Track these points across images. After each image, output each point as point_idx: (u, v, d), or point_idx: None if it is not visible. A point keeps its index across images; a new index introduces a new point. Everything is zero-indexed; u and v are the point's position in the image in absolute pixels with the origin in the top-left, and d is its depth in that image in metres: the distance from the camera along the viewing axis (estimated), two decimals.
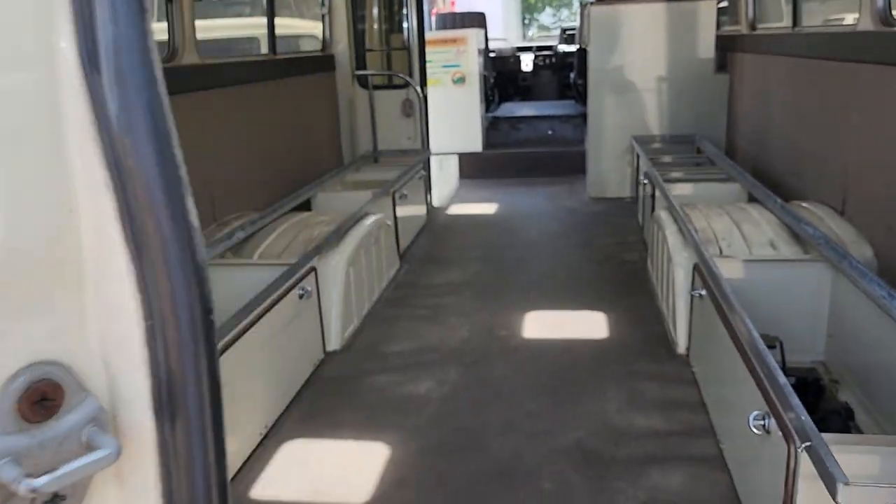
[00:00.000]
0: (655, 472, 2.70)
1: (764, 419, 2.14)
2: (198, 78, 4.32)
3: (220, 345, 2.61)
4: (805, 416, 1.93)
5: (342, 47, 6.78)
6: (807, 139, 4.93)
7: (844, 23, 4.76)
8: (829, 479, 1.69)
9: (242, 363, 2.87)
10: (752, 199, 4.96)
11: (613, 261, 5.31)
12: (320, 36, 6.77)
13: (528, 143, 9.27)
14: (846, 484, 1.64)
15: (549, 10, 39.87)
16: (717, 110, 7.08)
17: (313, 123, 6.32)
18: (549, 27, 37.91)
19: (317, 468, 2.84)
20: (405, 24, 7.23)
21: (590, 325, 4.14)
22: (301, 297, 3.47)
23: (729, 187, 5.27)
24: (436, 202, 7.38)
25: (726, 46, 6.99)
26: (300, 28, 7.46)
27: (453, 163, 8.68)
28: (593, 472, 2.74)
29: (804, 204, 4.37)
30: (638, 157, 6.85)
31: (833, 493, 1.66)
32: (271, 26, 5.48)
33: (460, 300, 4.60)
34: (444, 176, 8.48)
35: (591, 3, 7.26)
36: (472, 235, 6.17)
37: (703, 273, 3.30)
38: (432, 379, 3.53)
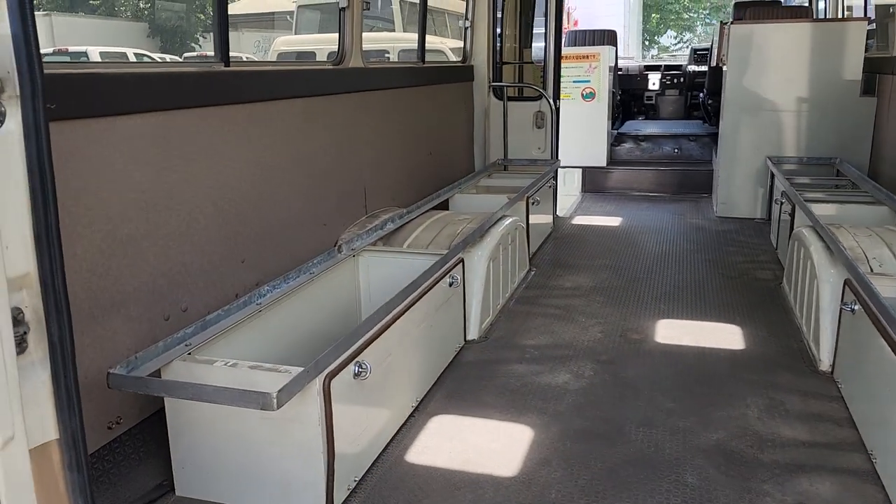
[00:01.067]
0: (803, 480, 2.71)
1: None
2: (361, 80, 4.66)
3: (385, 321, 2.87)
4: None
5: (481, 59, 7.05)
6: None
7: None
8: None
9: (401, 339, 3.11)
10: None
11: (746, 277, 5.25)
12: (444, 48, 7.08)
13: (651, 161, 9.23)
14: None
15: (670, 31, 39.23)
16: (860, 134, 6.84)
17: (451, 129, 6.61)
18: (669, 48, 37.27)
19: (465, 442, 3.02)
20: (536, 43, 7.47)
21: (724, 335, 4.14)
22: (451, 284, 3.70)
23: (875, 210, 5.11)
24: (559, 212, 7.50)
25: (875, 69, 6.75)
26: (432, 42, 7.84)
27: (577, 176, 8.78)
28: (736, 472, 2.78)
29: None
30: (773, 177, 6.72)
31: None
32: (422, 37, 5.81)
33: (591, 303, 4.71)
34: (567, 189, 8.59)
35: (732, 22, 7.19)
36: (598, 245, 6.24)
37: (856, 289, 3.26)
38: (569, 372, 3.66)
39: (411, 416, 3.22)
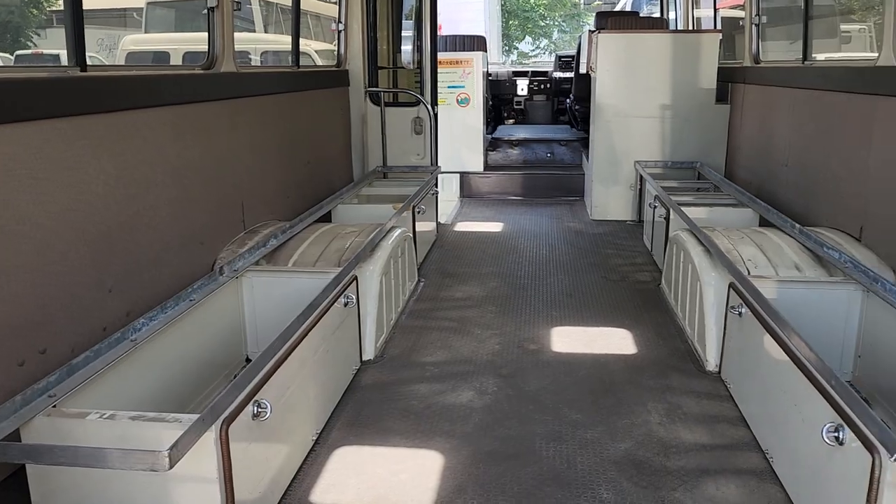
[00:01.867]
0: (710, 485, 2.76)
1: (838, 431, 2.22)
2: (235, 86, 4.33)
3: (282, 351, 2.63)
4: (887, 429, 2.01)
5: (356, 63, 6.85)
6: (817, 168, 5.11)
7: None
8: None
9: (300, 369, 2.87)
10: (763, 223, 5.12)
11: (627, 280, 5.41)
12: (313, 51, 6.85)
13: (526, 166, 9.41)
14: None
15: (528, 37, 40.59)
16: (717, 139, 7.29)
17: (329, 136, 6.36)
18: (528, 54, 38.58)
19: (372, 475, 2.83)
20: (405, 47, 7.38)
21: (616, 340, 4.22)
22: (346, 304, 3.49)
23: (741, 212, 5.43)
24: (440, 219, 7.43)
25: (727, 78, 7.22)
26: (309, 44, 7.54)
27: (455, 182, 8.76)
28: (647, 482, 2.78)
29: (819, 230, 4.52)
30: (642, 180, 7.01)
31: None
32: (296, 40, 5.53)
33: (484, 314, 4.65)
34: (446, 194, 8.55)
35: (599, 32, 7.43)
36: (483, 252, 6.23)
37: (741, 292, 3.39)
38: (472, 389, 3.56)
39: (312, 450, 2.99)
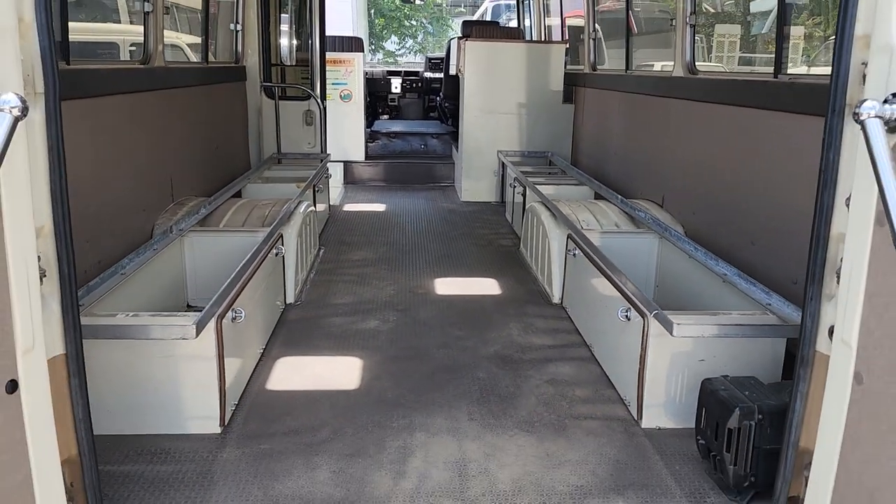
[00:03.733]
0: (551, 366, 3.95)
1: (628, 311, 3.45)
2: (165, 78, 5.08)
3: (238, 285, 3.52)
4: (653, 303, 3.25)
5: (253, 61, 7.62)
6: (636, 154, 6.55)
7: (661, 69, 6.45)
8: (668, 324, 3.00)
9: (251, 296, 3.76)
10: (597, 197, 6.50)
11: (493, 245, 6.61)
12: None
13: (402, 155, 10.49)
14: (678, 324, 2.96)
15: (394, 37, 41.77)
16: (564, 132, 8.72)
17: (231, 126, 7.11)
18: (395, 53, 39.80)
19: (311, 372, 3.79)
20: (282, 42, 8.22)
21: (486, 286, 5.38)
22: (277, 254, 4.39)
23: (580, 189, 6.80)
24: (330, 201, 8.35)
25: (572, 82, 8.65)
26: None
27: (339, 169, 9.68)
28: (509, 368, 3.93)
29: (636, 200, 5.92)
30: (504, 167, 8.29)
31: (670, 331, 2.97)
32: (205, 36, 6.28)
33: (379, 270, 5.67)
34: (332, 181, 9.45)
35: (466, 39, 8.63)
36: (371, 226, 7.23)
37: (576, 240, 4.64)
38: (377, 319, 4.58)
39: (259, 361, 3.89)
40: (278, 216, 4.86)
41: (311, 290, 5.13)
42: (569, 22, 10.26)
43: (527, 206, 6.26)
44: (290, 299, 4.80)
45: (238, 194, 6.19)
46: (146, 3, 4.80)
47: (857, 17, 2.10)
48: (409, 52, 38.87)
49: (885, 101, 1.85)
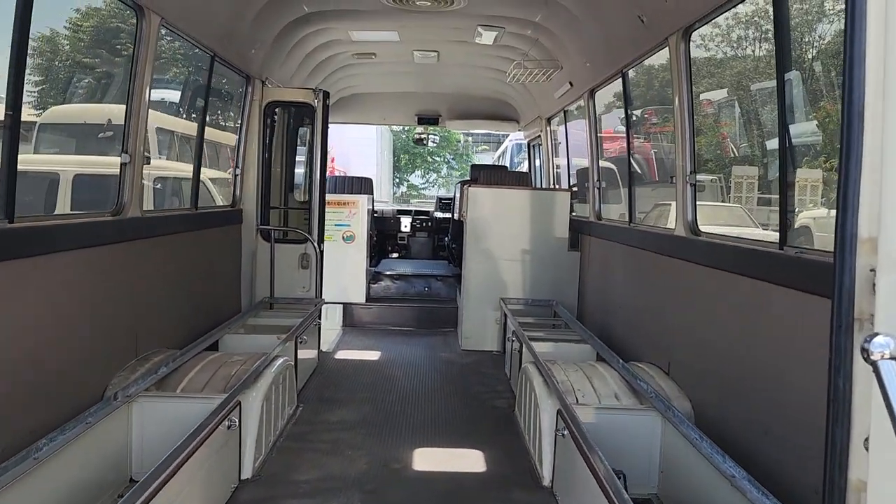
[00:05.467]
0: None
1: None
2: (139, 229, 4.87)
3: (158, 481, 3.01)
4: None
5: (250, 205, 7.52)
6: (641, 313, 6.14)
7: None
8: None
9: (178, 493, 3.26)
10: (599, 357, 6.03)
11: (486, 406, 6.10)
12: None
13: (405, 298, 10.19)
14: None
15: (418, 171, 43.09)
16: (570, 279, 8.37)
17: (220, 271, 6.87)
18: (419, 187, 40.88)
19: None
20: (297, 184, 8.16)
21: (471, 460, 4.83)
22: (229, 427, 3.94)
23: (581, 347, 6.34)
24: (323, 347, 7.96)
25: (577, 229, 8.42)
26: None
27: (338, 311, 9.37)
28: None
29: (639, 364, 5.44)
30: (506, 316, 7.90)
31: None
32: (196, 181, 6.17)
33: (356, 436, 5.16)
34: (330, 323, 9.12)
35: (469, 185, 8.54)
36: (359, 380, 6.78)
37: (565, 417, 4.15)
38: None
39: None
40: (243, 377, 4.45)
41: (276, 459, 4.63)
42: (574, 162, 10.21)
43: (522, 366, 5.81)
44: (247, 474, 4.29)
45: (215, 346, 5.84)
46: (123, 154, 4.67)
47: (860, 218, 1.74)
48: (432, 186, 39.95)
49: None
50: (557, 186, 10.49)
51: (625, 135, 7.03)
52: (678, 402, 4.66)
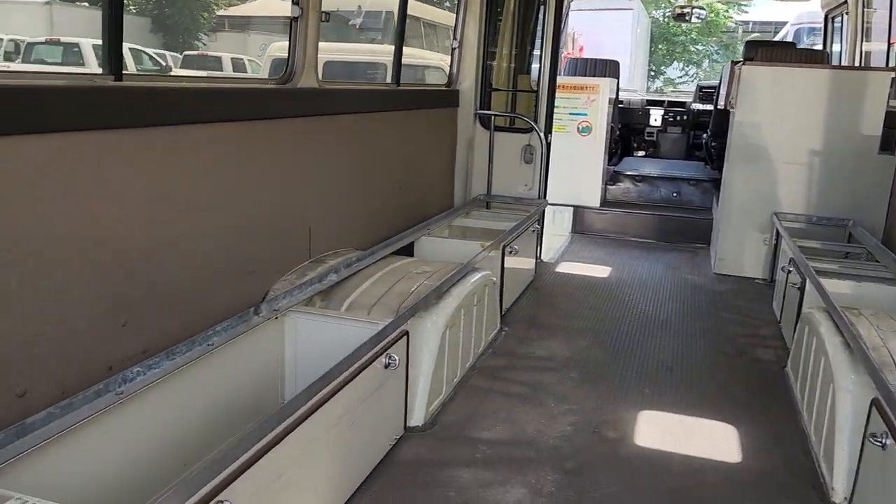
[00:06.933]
0: None
1: None
2: (313, 102, 4.00)
3: (286, 423, 2.18)
4: None
5: (468, 84, 6.41)
6: None
7: None
8: None
9: (306, 449, 2.42)
10: None
11: (745, 356, 4.58)
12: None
13: (648, 204, 8.60)
14: None
15: (676, 63, 38.83)
16: (876, 195, 6.19)
17: (428, 160, 5.94)
18: (675, 81, 36.86)
19: None
20: (535, 66, 6.82)
21: (718, 439, 3.46)
22: (387, 366, 3.01)
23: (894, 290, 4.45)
24: (545, 256, 6.84)
25: (894, 125, 6.13)
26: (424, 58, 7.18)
27: (567, 216, 8.12)
28: None
29: None
30: (779, 236, 6.07)
31: None
32: (398, 56, 5.17)
33: (563, 380, 4.02)
34: (556, 229, 7.94)
35: (743, 63, 6.58)
36: (582, 302, 5.57)
37: (887, 416, 2.59)
38: (524, 485, 2.96)
39: None
40: (423, 296, 3.48)
41: (458, 402, 3.67)
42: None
43: (804, 310, 4.17)
44: (417, 421, 3.38)
45: (409, 250, 4.97)
46: (294, 7, 3.74)
47: None
48: (691, 81, 35.74)
49: None
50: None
51: None
52: None
